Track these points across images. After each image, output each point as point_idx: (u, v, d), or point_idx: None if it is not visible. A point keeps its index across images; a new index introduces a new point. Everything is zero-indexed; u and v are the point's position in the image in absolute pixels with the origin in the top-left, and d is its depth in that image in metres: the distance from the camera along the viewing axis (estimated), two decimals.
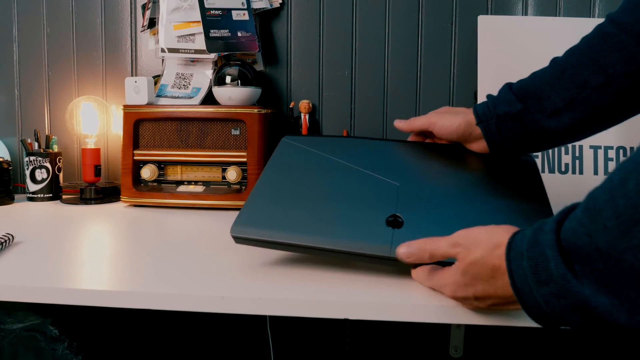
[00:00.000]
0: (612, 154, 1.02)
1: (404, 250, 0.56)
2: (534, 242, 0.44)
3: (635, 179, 0.38)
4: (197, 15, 1.15)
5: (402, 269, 0.60)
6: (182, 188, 1.10)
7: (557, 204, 0.95)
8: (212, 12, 1.15)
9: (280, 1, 1.21)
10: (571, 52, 0.67)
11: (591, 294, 0.40)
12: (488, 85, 1.04)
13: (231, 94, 1.08)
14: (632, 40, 0.62)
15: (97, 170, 1.18)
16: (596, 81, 0.63)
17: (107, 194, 1.17)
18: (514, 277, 0.45)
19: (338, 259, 0.62)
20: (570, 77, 0.65)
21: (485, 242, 0.49)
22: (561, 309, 0.42)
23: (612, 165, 1.02)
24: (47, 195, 1.17)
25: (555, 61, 0.68)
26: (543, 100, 0.66)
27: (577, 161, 1.03)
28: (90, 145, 1.19)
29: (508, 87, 0.70)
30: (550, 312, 0.43)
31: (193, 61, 1.20)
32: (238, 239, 0.63)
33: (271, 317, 1.13)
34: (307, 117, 1.20)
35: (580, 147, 1.03)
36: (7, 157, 1.26)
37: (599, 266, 0.39)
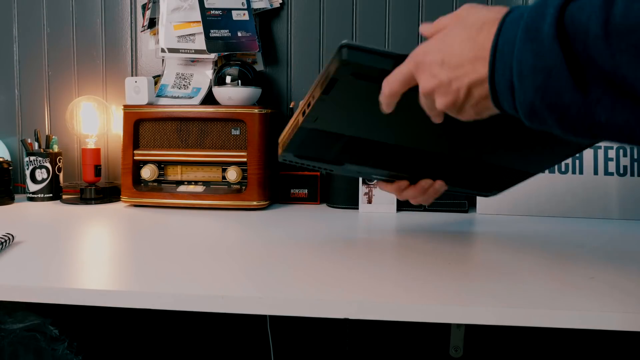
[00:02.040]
0: (612, 154, 1.02)
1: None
2: (541, 3, 0.43)
3: None
4: (197, 15, 1.15)
5: None
6: (182, 188, 1.10)
7: (557, 202, 0.95)
8: (212, 12, 1.15)
9: (280, 1, 1.21)
10: None
11: (560, 64, 0.40)
12: None
13: (231, 94, 1.08)
14: None
15: (97, 170, 1.18)
16: None
17: (107, 194, 1.17)
18: (500, 34, 0.44)
19: None
20: None
21: (484, 9, 0.48)
22: (532, 67, 0.41)
23: (612, 166, 1.02)
24: (47, 195, 1.17)
25: None
26: None
27: (577, 161, 1.03)
28: (91, 145, 1.19)
29: None
30: (514, 76, 0.42)
31: (193, 61, 1.20)
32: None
33: (271, 317, 1.13)
34: None
35: None
36: (7, 157, 1.26)
37: (579, 47, 0.39)
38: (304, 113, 0.59)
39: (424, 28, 0.58)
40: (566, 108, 0.41)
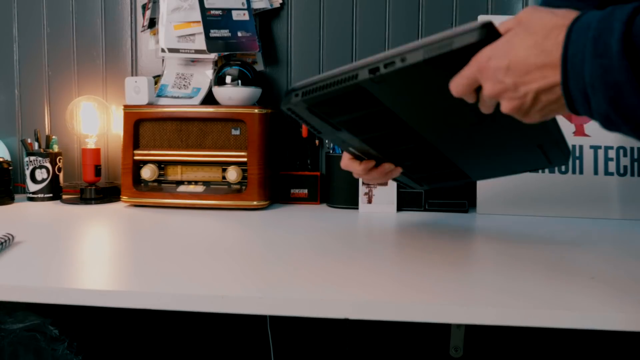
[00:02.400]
0: (612, 154, 1.02)
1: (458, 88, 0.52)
2: (607, 16, 0.43)
3: None
4: (197, 15, 1.15)
5: None
6: (182, 188, 1.10)
7: (557, 202, 0.95)
8: (212, 12, 1.15)
9: (281, 1, 1.21)
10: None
11: (630, 79, 0.41)
12: None
13: (231, 94, 1.08)
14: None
15: (97, 170, 1.18)
16: None
17: (107, 194, 1.17)
18: (569, 45, 0.44)
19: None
20: None
21: (554, 13, 0.48)
22: (603, 83, 0.42)
23: (612, 165, 1.02)
24: (47, 195, 1.17)
25: None
26: None
27: (578, 161, 1.03)
28: (91, 145, 1.19)
29: None
30: (587, 86, 0.43)
31: (193, 61, 1.20)
32: None
33: (271, 317, 1.13)
34: None
35: (581, 147, 1.03)
36: (7, 157, 1.26)
37: None
38: (374, 70, 0.54)
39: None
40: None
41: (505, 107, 0.51)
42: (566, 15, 0.47)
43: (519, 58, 0.47)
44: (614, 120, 0.44)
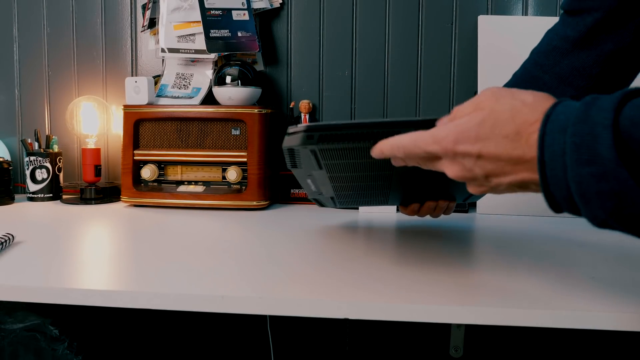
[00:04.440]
0: None
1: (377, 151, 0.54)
2: (583, 117, 0.39)
3: None
4: (197, 15, 1.15)
5: None
6: (182, 188, 1.10)
7: None
8: (212, 12, 1.15)
9: (280, 1, 1.21)
10: None
11: (632, 187, 0.37)
12: (488, 85, 1.04)
13: (231, 94, 1.08)
14: (554, 81, 0.70)
15: (97, 170, 1.18)
16: None
17: (107, 194, 1.17)
18: (544, 148, 0.41)
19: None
20: None
21: (519, 100, 0.44)
22: (596, 193, 0.39)
23: None
24: (47, 195, 1.17)
25: None
26: None
27: None
28: (91, 145, 1.19)
29: None
30: (574, 195, 0.40)
31: (193, 61, 1.20)
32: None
33: (271, 317, 1.14)
34: (307, 117, 1.20)
35: None
36: (7, 157, 1.26)
37: None
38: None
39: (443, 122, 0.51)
40: None
41: (473, 190, 0.49)
42: (536, 106, 0.43)
43: (491, 149, 0.44)
44: (612, 226, 0.41)
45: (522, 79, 0.74)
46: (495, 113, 0.44)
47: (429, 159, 0.50)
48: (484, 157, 0.45)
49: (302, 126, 0.59)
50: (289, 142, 0.62)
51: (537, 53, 0.74)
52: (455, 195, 0.80)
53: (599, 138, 0.38)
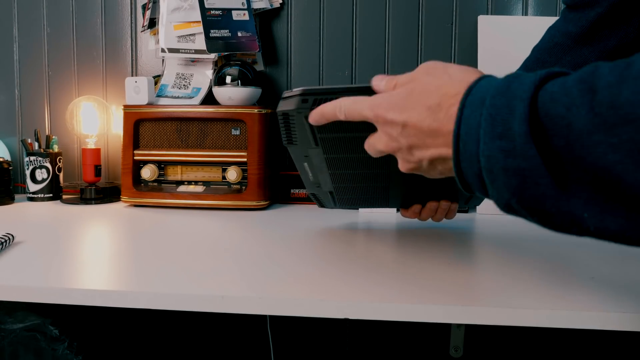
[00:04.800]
0: None
1: (314, 116, 0.56)
2: (503, 90, 0.38)
3: None
4: (197, 15, 1.15)
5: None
6: (182, 188, 1.10)
7: None
8: (212, 12, 1.15)
9: (280, 1, 1.21)
10: None
11: (537, 166, 0.36)
12: None
13: (231, 94, 1.08)
14: None
15: (97, 170, 1.18)
16: None
17: (107, 194, 1.17)
18: (461, 121, 0.40)
19: None
20: None
21: (448, 74, 0.45)
22: (503, 168, 0.37)
23: None
24: (47, 195, 1.17)
25: None
26: None
27: None
28: (91, 145, 1.19)
29: None
30: (483, 170, 0.39)
31: (193, 61, 1.20)
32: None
33: (271, 317, 1.13)
34: None
35: None
36: (7, 157, 1.26)
37: (559, 143, 0.35)
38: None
39: (377, 81, 0.53)
40: (549, 215, 0.38)
41: (402, 167, 0.50)
42: (462, 79, 0.43)
43: (414, 119, 0.45)
44: (516, 209, 0.40)
45: None
46: (424, 84, 0.45)
47: (360, 119, 0.52)
48: (408, 126, 0.46)
49: (297, 90, 0.59)
50: (284, 106, 0.61)
51: (539, 50, 0.73)
52: (457, 197, 0.80)
53: (515, 111, 0.36)
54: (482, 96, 0.40)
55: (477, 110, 0.40)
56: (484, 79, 0.42)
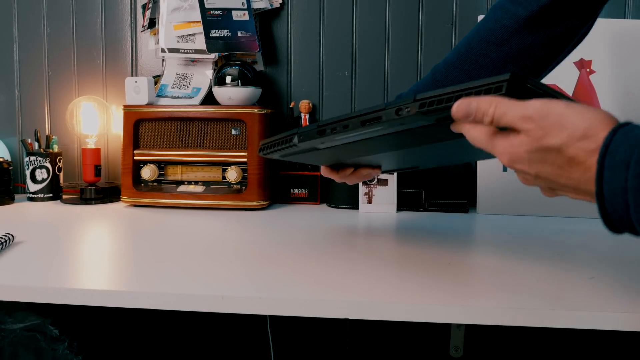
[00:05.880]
0: None
1: (461, 106, 0.46)
2: None
3: None
4: (197, 15, 1.15)
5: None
6: (182, 188, 1.10)
7: (557, 202, 0.94)
8: (212, 12, 1.15)
9: (280, 1, 1.21)
10: (448, 68, 0.72)
11: None
12: None
13: (231, 94, 1.08)
14: (502, 59, 0.69)
15: (97, 170, 1.18)
16: None
17: (107, 194, 1.17)
18: (603, 186, 0.40)
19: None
20: None
21: (571, 129, 0.41)
22: None
23: None
24: (48, 195, 1.17)
25: (435, 78, 0.73)
26: None
27: None
28: (91, 145, 1.19)
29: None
30: (636, 223, 0.39)
31: (193, 61, 1.20)
32: None
33: (271, 317, 1.13)
34: (307, 117, 1.20)
35: None
36: (7, 157, 1.26)
37: None
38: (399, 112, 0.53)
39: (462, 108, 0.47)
40: None
41: (543, 193, 0.50)
42: (590, 135, 0.41)
43: (547, 174, 0.44)
44: None
45: (468, 56, 0.71)
46: (547, 148, 0.43)
47: (489, 149, 0.49)
48: (542, 177, 0.45)
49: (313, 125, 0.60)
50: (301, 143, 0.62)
51: (484, 29, 0.70)
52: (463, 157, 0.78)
53: None
54: (624, 156, 0.39)
55: (620, 170, 0.39)
56: (620, 130, 0.40)
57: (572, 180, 0.43)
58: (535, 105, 0.43)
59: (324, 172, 0.78)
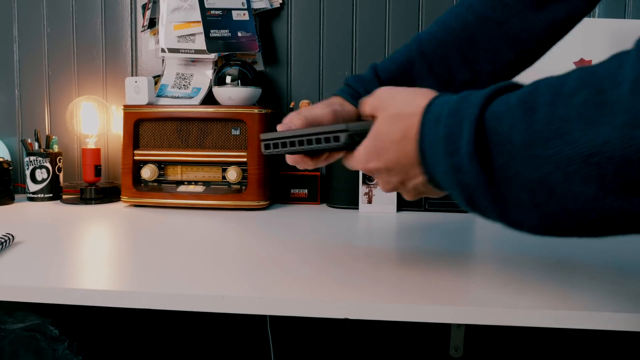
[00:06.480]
0: None
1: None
2: (455, 110, 0.42)
3: (586, 95, 0.34)
4: (197, 15, 1.15)
5: None
6: (182, 188, 1.10)
7: None
8: (212, 12, 1.15)
9: (280, 1, 1.21)
10: (438, 43, 0.69)
11: (480, 184, 0.40)
12: None
13: (231, 94, 1.08)
14: (499, 42, 0.67)
15: (97, 170, 1.18)
16: (464, 76, 0.67)
17: (107, 194, 1.17)
18: (424, 139, 0.44)
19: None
20: (439, 71, 0.67)
21: (402, 101, 0.48)
22: (455, 184, 0.42)
23: None
24: (48, 195, 1.17)
25: (422, 50, 0.69)
26: None
27: None
28: (91, 145, 1.19)
29: (374, 71, 0.70)
30: (447, 184, 0.43)
31: (193, 61, 1.20)
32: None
33: (271, 317, 1.13)
34: None
35: None
36: (7, 157, 1.26)
37: (503, 159, 0.38)
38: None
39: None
40: (495, 219, 0.43)
41: (407, 198, 0.53)
42: (419, 102, 0.46)
43: (391, 159, 0.49)
44: (472, 211, 0.44)
45: (463, 31, 0.68)
46: (386, 119, 0.48)
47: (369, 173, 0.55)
48: (390, 168, 0.49)
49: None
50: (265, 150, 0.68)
51: (482, 4, 0.67)
52: None
53: (463, 132, 0.40)
54: (437, 114, 0.43)
55: (433, 128, 0.43)
56: (440, 97, 0.45)
57: (409, 154, 0.47)
58: (380, 90, 0.51)
59: (293, 160, 0.75)
